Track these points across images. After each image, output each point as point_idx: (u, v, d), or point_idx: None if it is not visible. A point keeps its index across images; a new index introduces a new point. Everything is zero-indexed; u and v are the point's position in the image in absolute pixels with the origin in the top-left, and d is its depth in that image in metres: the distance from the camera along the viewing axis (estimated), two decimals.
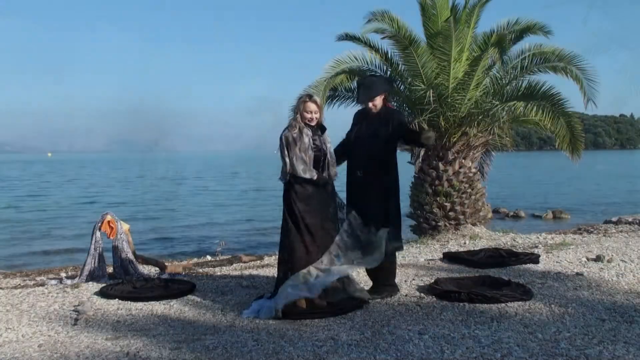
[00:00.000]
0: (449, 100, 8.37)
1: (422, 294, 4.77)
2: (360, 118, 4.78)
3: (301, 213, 4.25)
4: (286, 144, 4.32)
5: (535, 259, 6.12)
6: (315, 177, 4.29)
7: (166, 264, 6.87)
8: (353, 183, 4.66)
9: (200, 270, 6.66)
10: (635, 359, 3.26)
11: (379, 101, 4.60)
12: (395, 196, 4.65)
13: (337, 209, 4.48)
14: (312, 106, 4.37)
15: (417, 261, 6.40)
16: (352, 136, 4.74)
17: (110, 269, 6.11)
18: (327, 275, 4.18)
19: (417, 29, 8.82)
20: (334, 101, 9.58)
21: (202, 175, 49.16)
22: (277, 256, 7.13)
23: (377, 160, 4.55)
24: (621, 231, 9.17)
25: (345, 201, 4.63)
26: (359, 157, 4.62)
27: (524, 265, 5.96)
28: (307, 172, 4.27)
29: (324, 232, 4.30)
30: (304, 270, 4.19)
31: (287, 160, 4.29)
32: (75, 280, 5.79)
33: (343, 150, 4.71)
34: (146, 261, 6.60)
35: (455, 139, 8.70)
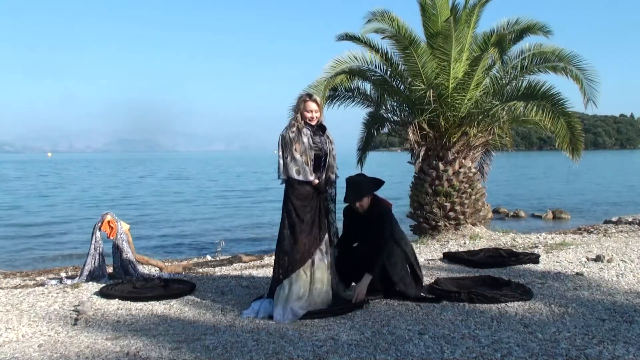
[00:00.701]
0: (449, 100, 8.37)
1: (422, 294, 4.77)
2: (348, 215, 4.75)
3: (297, 211, 4.24)
4: (282, 144, 4.30)
5: (535, 259, 6.12)
6: (313, 181, 4.27)
7: (166, 264, 6.88)
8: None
9: (200, 270, 6.66)
10: (635, 359, 3.26)
11: (365, 202, 4.57)
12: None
13: (331, 210, 4.48)
14: (312, 105, 4.34)
15: None
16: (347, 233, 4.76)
17: (110, 269, 6.12)
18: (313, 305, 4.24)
19: (417, 29, 8.84)
20: (334, 101, 9.59)
21: (203, 175, 49.17)
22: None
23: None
24: (621, 231, 9.17)
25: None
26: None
27: (524, 265, 5.96)
28: (301, 173, 4.23)
29: (318, 230, 4.29)
30: (302, 274, 4.19)
31: (281, 161, 4.28)
32: (75, 280, 5.79)
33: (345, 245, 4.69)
34: (146, 261, 6.60)
35: (455, 139, 8.70)
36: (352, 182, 4.59)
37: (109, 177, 46.29)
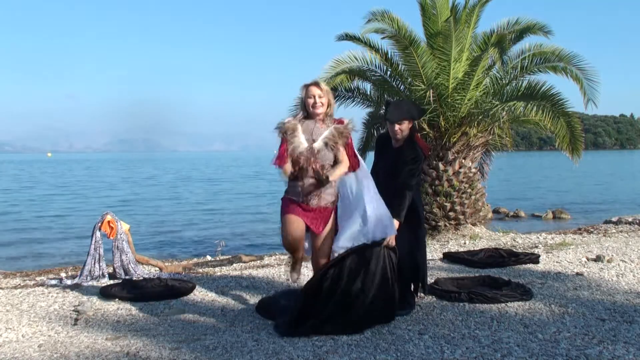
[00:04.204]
0: (449, 100, 8.37)
1: (422, 294, 4.77)
2: (381, 146, 4.31)
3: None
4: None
5: (535, 259, 6.13)
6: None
7: (166, 264, 6.88)
8: None
9: (200, 270, 6.66)
10: (636, 359, 3.26)
11: (405, 127, 4.13)
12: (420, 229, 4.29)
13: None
14: (313, 89, 3.78)
15: None
16: (376, 169, 4.26)
17: (110, 269, 6.12)
18: None
19: (417, 29, 8.85)
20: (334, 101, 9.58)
21: (203, 175, 49.16)
22: (277, 256, 7.14)
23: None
24: (621, 231, 9.17)
25: None
26: (383, 194, 4.02)
27: (524, 265, 5.96)
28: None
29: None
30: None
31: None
32: (75, 280, 5.79)
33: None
34: (146, 261, 6.60)
35: (455, 139, 8.70)
36: (395, 101, 4.22)
37: (110, 177, 46.26)
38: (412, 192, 4.08)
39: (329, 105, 3.84)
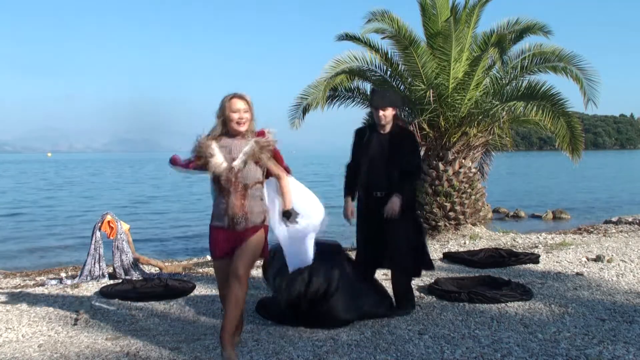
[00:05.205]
0: (449, 100, 8.37)
1: (422, 294, 4.78)
2: (364, 135, 4.38)
3: None
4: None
5: (535, 259, 6.13)
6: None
7: (166, 264, 6.88)
8: (371, 202, 4.23)
9: (200, 270, 6.66)
10: (635, 359, 3.26)
11: (389, 114, 4.25)
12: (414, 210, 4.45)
13: None
14: (238, 103, 3.33)
15: None
16: (361, 156, 4.32)
17: (110, 269, 6.12)
18: None
19: (417, 29, 8.83)
20: (334, 101, 9.58)
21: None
22: None
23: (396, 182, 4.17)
24: (621, 231, 9.17)
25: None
26: (375, 178, 4.21)
27: (524, 265, 5.97)
28: None
29: None
30: None
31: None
32: (75, 280, 5.80)
33: (355, 176, 4.34)
34: (146, 261, 6.60)
35: (455, 139, 8.70)
36: (379, 89, 4.45)
37: (110, 177, 46.25)
38: (420, 173, 4.27)
39: (252, 119, 3.39)
